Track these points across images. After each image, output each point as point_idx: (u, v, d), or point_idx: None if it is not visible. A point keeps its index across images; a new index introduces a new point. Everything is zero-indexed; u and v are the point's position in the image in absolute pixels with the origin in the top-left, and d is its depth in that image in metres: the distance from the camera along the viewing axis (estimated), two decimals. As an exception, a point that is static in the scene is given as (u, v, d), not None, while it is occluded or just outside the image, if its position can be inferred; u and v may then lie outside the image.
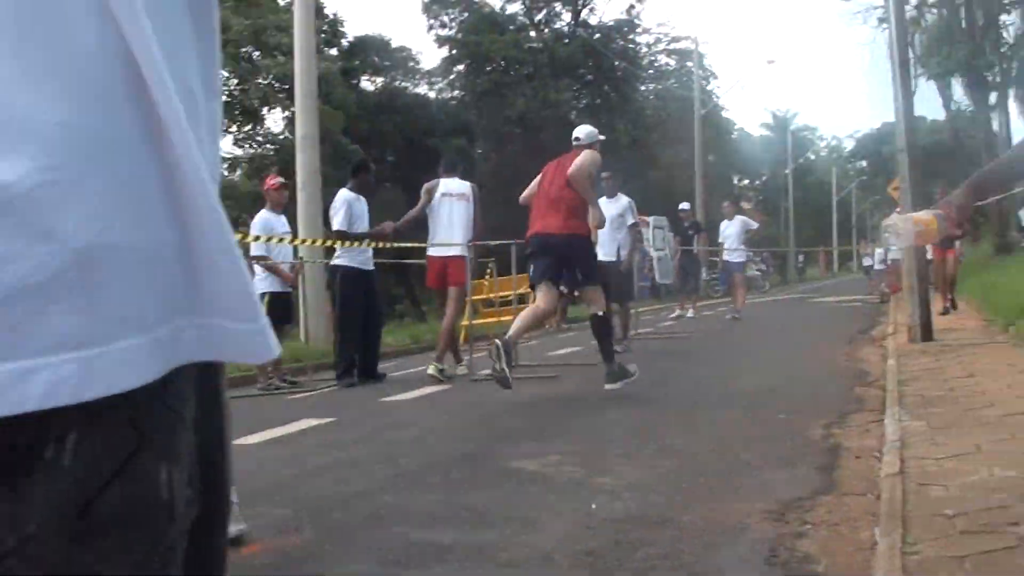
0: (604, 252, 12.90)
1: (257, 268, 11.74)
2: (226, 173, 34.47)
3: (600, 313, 9.52)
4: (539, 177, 10.04)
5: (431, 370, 11.23)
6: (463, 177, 12.21)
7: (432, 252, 11.95)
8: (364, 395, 10.49)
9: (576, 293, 10.20)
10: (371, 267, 12.06)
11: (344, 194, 11.78)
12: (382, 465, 6.23)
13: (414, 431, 7.68)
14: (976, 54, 31.33)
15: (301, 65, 17.02)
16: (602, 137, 10.53)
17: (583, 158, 9.51)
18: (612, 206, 13.17)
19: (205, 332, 0.90)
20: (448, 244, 11.68)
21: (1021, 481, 4.65)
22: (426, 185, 12.00)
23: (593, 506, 4.93)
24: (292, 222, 13.45)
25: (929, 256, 16.11)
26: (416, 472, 5.97)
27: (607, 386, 9.01)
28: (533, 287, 10.34)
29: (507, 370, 8.76)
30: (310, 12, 17.53)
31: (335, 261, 11.91)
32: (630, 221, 13.61)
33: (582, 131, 10.39)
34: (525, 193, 10.22)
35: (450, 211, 11.73)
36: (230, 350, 0.95)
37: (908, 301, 13.31)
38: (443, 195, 11.76)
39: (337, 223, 11.63)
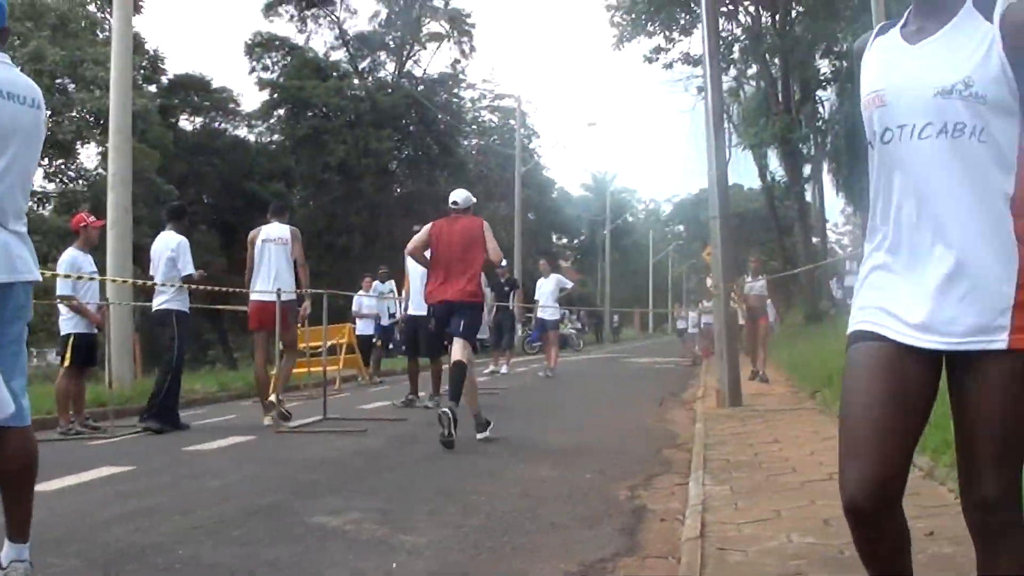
0: (415, 306, 13.12)
1: (62, 308, 11.42)
2: (35, 208, 33.52)
3: (464, 361, 9.73)
4: (429, 235, 10.40)
5: (267, 418, 11.54)
6: (285, 222, 12.43)
7: (254, 296, 12.15)
8: (167, 443, 10.22)
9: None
10: None
11: (181, 238, 11.78)
12: (181, 516, 6.05)
13: (215, 482, 7.48)
14: (792, 127, 32.42)
15: (117, 101, 16.61)
16: (474, 200, 10.82)
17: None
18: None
19: None
20: (264, 291, 11.89)
21: (818, 548, 4.75)
22: (249, 236, 12.34)
23: (394, 565, 4.85)
24: (100, 261, 13.09)
25: (741, 322, 16.46)
26: (215, 524, 5.80)
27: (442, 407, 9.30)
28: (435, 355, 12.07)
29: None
30: (128, 47, 17.17)
31: (170, 305, 11.66)
32: None
33: (459, 196, 10.77)
34: (412, 245, 10.68)
35: (271, 256, 12.04)
36: None
37: (718, 365, 13.55)
38: (264, 241, 12.10)
39: (188, 267, 11.59)
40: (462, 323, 9.94)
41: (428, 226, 10.50)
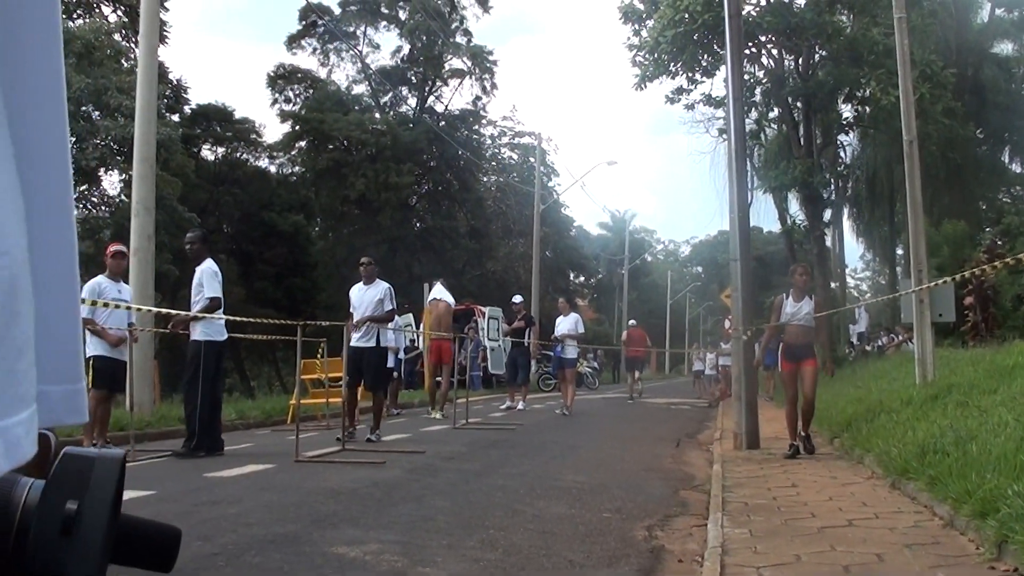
0: (362, 339, 13.27)
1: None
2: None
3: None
4: (625, 336, 28.82)
5: (437, 415, 18.30)
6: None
7: (433, 337, 19.72)
8: (186, 469, 10.22)
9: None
10: None
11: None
12: (201, 542, 6.03)
13: (235, 509, 7.47)
14: (812, 172, 32.32)
15: (141, 129, 16.71)
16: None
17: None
18: (371, 291, 13.53)
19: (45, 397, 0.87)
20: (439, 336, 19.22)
21: (838, 590, 4.73)
22: (427, 306, 20.23)
23: (414, 596, 4.85)
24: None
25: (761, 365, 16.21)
26: (234, 551, 5.79)
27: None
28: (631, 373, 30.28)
29: None
30: (153, 76, 17.29)
31: (222, 336, 12.13)
32: (388, 307, 13.70)
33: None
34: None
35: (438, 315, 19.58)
36: (53, 413, 0.92)
37: (735, 408, 13.49)
38: (431, 300, 19.94)
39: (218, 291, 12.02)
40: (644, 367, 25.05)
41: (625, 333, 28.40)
